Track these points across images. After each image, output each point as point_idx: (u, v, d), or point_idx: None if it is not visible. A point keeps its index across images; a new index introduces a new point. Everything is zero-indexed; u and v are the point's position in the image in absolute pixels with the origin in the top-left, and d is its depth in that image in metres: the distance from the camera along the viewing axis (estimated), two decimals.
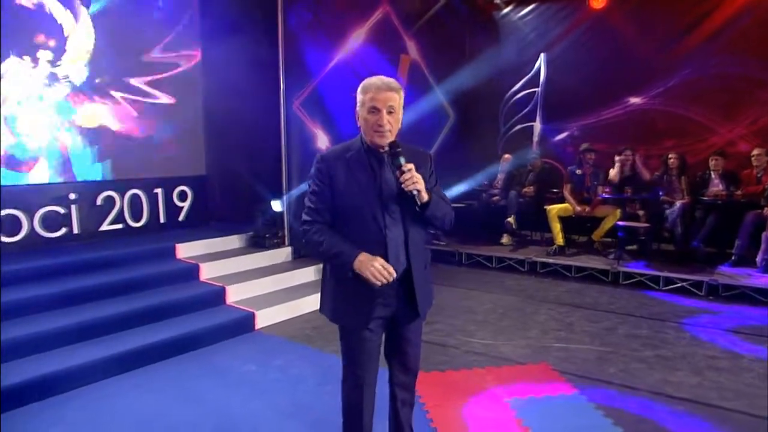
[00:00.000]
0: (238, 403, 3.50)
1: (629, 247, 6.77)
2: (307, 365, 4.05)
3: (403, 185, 2.15)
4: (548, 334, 4.68)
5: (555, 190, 7.45)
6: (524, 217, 7.51)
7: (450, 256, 7.54)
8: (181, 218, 6.41)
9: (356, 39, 7.42)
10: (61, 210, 5.33)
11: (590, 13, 7.76)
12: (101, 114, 5.72)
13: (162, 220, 6.20)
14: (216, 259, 5.54)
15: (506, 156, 8.01)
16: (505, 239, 7.53)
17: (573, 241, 7.37)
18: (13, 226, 5.01)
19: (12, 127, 5.05)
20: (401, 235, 2.27)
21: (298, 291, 5.53)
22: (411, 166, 2.16)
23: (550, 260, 6.72)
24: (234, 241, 6.07)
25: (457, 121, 9.06)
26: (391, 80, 2.21)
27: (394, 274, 2.16)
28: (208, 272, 5.34)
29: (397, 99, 2.21)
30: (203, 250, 5.68)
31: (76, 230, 5.44)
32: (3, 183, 5.00)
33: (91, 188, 5.61)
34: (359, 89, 2.23)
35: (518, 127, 8.74)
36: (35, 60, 5.21)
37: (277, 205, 6.24)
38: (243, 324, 4.82)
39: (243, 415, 3.35)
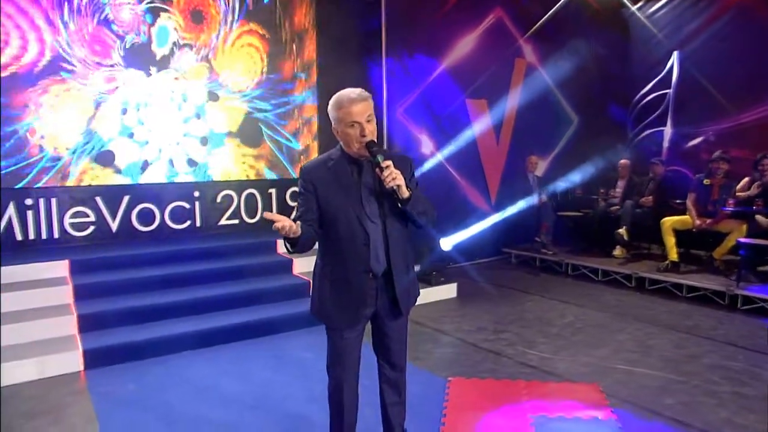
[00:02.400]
0: (280, 383, 3.89)
1: (761, 268, 5.92)
2: None
3: (383, 182, 2.26)
4: (618, 355, 4.37)
5: (678, 201, 6.75)
6: (641, 229, 6.93)
7: (556, 267, 7.26)
8: (292, 217, 6.98)
9: (467, 44, 7.49)
10: (186, 205, 6.23)
11: (730, 4, 6.91)
12: (228, 122, 6.55)
13: None
14: (310, 256, 6.01)
15: (623, 162, 7.43)
16: (618, 251, 7.03)
17: (694, 257, 6.63)
18: (147, 218, 6.00)
19: (148, 131, 6.00)
20: (381, 238, 2.41)
21: None
22: (389, 162, 2.25)
23: (660, 277, 6.14)
24: None
25: (581, 125, 8.63)
26: (360, 90, 2.32)
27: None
28: (300, 267, 5.84)
29: (371, 107, 2.33)
30: None
31: (198, 223, 6.30)
32: (140, 181, 5.99)
33: (213, 187, 6.43)
34: (331, 106, 2.34)
35: (648, 131, 8.07)
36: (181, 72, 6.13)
37: None
38: None
39: (279, 394, 3.72)
